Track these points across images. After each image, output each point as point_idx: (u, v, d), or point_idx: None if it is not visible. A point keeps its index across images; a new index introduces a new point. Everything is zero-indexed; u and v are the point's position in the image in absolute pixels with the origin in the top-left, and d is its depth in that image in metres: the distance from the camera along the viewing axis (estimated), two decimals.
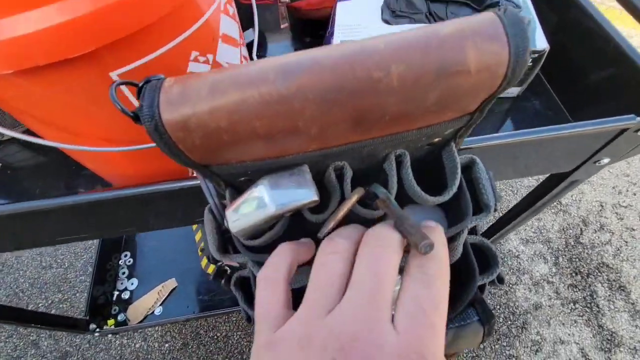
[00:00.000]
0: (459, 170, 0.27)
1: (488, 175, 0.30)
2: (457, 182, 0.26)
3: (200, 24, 0.30)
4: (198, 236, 1.04)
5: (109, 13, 0.23)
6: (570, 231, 1.20)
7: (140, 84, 0.17)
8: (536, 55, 0.43)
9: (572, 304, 1.07)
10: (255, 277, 0.28)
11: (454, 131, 0.26)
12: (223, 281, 0.38)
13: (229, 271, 0.35)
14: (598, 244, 1.17)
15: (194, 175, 0.36)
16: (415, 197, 0.27)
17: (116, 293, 1.00)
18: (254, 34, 0.43)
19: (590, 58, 0.44)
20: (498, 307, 1.07)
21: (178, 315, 0.93)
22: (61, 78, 0.26)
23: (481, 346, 1.01)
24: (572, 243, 1.17)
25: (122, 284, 1.01)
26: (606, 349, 0.99)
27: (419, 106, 0.19)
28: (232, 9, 0.36)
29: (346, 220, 0.26)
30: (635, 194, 1.26)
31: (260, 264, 0.27)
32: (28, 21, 0.22)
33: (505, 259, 1.16)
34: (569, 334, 1.02)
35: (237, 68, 0.17)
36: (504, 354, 1.00)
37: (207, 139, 0.18)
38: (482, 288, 0.32)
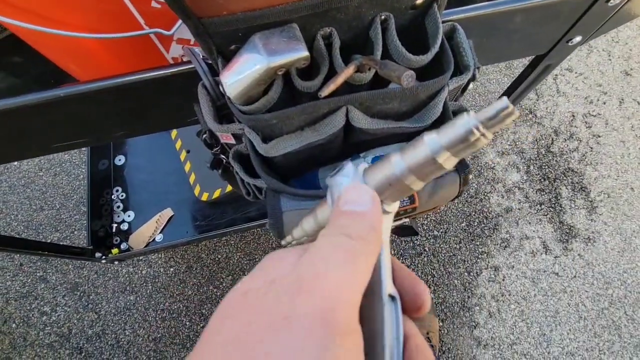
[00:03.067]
0: (441, 31, 0.28)
1: (468, 42, 0.32)
2: (439, 41, 0.28)
3: None
4: (187, 167, 1.06)
5: None
6: (543, 141, 1.27)
7: None
8: None
9: (538, 206, 1.18)
10: (254, 147, 0.30)
11: None
12: (220, 171, 0.40)
13: (224, 161, 0.37)
14: (566, 151, 1.25)
15: (182, 61, 0.36)
16: (400, 58, 0.28)
17: (114, 225, 1.03)
18: None
19: None
20: (473, 213, 1.18)
21: (178, 239, 0.98)
22: None
23: (457, 247, 1.14)
24: (544, 152, 1.26)
25: (118, 216, 1.04)
26: (564, 240, 1.13)
27: None
28: None
29: (340, 88, 0.27)
30: (605, 103, 1.32)
31: (255, 129, 0.29)
32: None
33: (482, 171, 1.24)
34: (533, 231, 1.15)
35: None
36: (477, 251, 1.13)
37: None
38: None
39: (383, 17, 0.28)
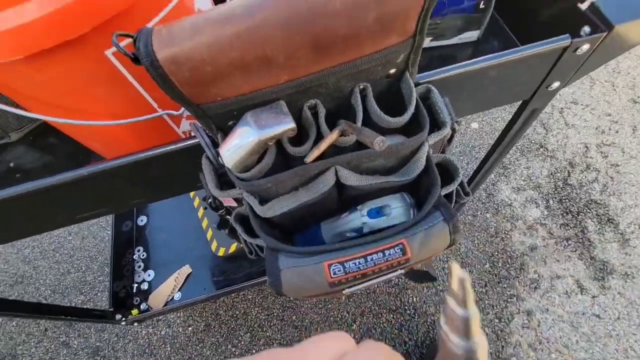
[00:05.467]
0: (414, 93, 0.31)
1: (444, 100, 0.34)
2: (414, 102, 0.31)
3: (176, 2, 0.34)
4: (205, 223, 1.09)
5: None
6: (559, 174, 1.25)
7: (135, 34, 0.22)
8: None
9: (565, 242, 1.12)
10: (252, 210, 0.33)
11: (405, 58, 0.30)
12: (227, 231, 0.43)
13: (230, 221, 0.40)
14: (585, 183, 1.22)
15: (189, 135, 0.40)
16: (380, 120, 0.31)
17: (135, 285, 1.05)
18: None
19: None
20: (496, 253, 1.13)
21: (196, 296, 0.99)
22: (63, 61, 0.30)
23: (483, 290, 1.08)
24: (561, 185, 1.23)
25: (139, 276, 1.07)
26: (599, 278, 1.06)
27: (362, 25, 0.23)
28: None
29: (328, 151, 0.30)
30: (617, 132, 1.31)
31: (253, 193, 0.32)
32: (29, 10, 0.26)
33: (499, 209, 1.21)
34: (564, 269, 1.08)
35: (212, 10, 0.22)
36: (505, 294, 1.06)
37: (194, 72, 0.22)
38: (450, 198, 0.37)
39: (362, 86, 0.31)
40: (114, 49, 0.30)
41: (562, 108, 1.41)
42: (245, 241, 0.35)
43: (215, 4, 0.43)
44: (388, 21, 0.24)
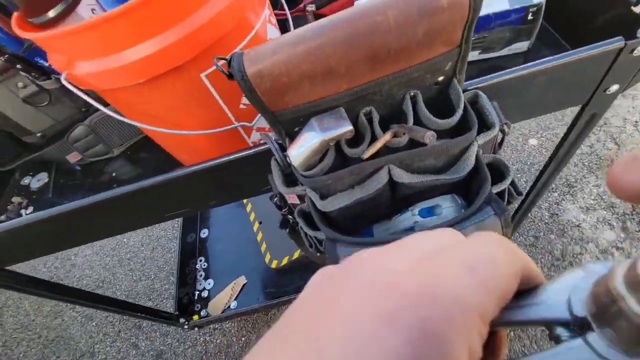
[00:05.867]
0: (462, 97, 0.34)
1: (492, 104, 0.37)
2: (462, 105, 0.34)
3: (254, 34, 0.41)
4: (259, 236, 1.17)
5: (195, 34, 0.34)
6: None
7: (229, 58, 0.28)
8: (535, 8, 0.49)
9: None
10: (313, 204, 0.37)
11: (452, 66, 0.33)
12: (288, 230, 0.47)
13: (291, 220, 0.44)
14: None
15: (259, 144, 0.46)
16: (430, 123, 0.34)
17: (197, 293, 1.14)
18: None
19: (591, 1, 0.48)
20: None
21: (250, 305, 1.04)
22: (169, 83, 0.38)
23: None
24: None
25: (200, 284, 1.16)
26: None
27: (412, 39, 0.27)
28: (274, 19, 0.47)
29: (381, 151, 0.34)
30: None
31: (315, 189, 0.36)
32: (147, 47, 0.34)
33: (565, 230, 1.12)
34: None
35: (287, 34, 0.27)
36: None
37: (273, 83, 0.27)
38: (501, 197, 0.38)
39: (412, 93, 0.35)
40: (207, 71, 0.38)
41: (636, 121, 1.29)
42: (306, 235, 0.39)
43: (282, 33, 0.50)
44: (436, 34, 0.27)
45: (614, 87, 0.43)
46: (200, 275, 1.18)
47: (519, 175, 1.27)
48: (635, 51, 0.38)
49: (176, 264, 1.17)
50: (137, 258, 1.49)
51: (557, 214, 1.15)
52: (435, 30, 0.27)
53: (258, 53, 0.27)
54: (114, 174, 0.63)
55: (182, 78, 0.37)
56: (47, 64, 0.51)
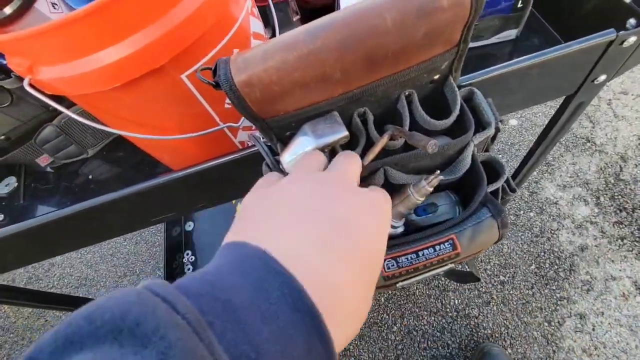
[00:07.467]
0: (458, 97, 0.33)
1: (487, 101, 0.36)
2: (458, 106, 0.33)
3: (236, 28, 0.38)
4: None
5: (173, 32, 0.31)
6: (609, 170, 1.18)
7: (214, 65, 0.26)
8: None
9: (619, 241, 1.06)
10: None
11: (449, 64, 0.32)
12: None
13: None
14: None
15: (247, 145, 0.44)
16: (426, 124, 0.33)
17: None
18: (274, 29, 0.50)
19: None
20: (542, 253, 1.09)
21: None
22: (147, 86, 0.35)
23: (530, 292, 1.04)
24: (613, 181, 1.16)
25: None
26: None
27: (411, 41, 0.26)
28: (256, 10, 0.44)
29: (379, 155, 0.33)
30: None
31: None
32: (121, 49, 0.31)
33: (544, 207, 1.16)
34: (619, 270, 1.02)
35: (278, 37, 0.25)
36: (555, 297, 1.02)
37: (264, 91, 0.25)
38: (496, 195, 0.38)
39: (407, 93, 0.34)
40: (188, 71, 0.35)
41: (609, 100, 1.33)
42: None
43: (264, 23, 0.47)
44: (436, 35, 0.26)
45: (602, 77, 0.43)
46: (189, 269, 1.16)
47: (500, 155, 1.30)
48: (625, 42, 0.38)
49: (163, 258, 1.15)
50: (120, 253, 1.45)
51: (536, 192, 1.19)
52: (435, 30, 0.25)
53: (246, 59, 0.25)
54: (90, 176, 0.59)
55: (162, 80, 0.34)
56: (5, 62, 0.46)
